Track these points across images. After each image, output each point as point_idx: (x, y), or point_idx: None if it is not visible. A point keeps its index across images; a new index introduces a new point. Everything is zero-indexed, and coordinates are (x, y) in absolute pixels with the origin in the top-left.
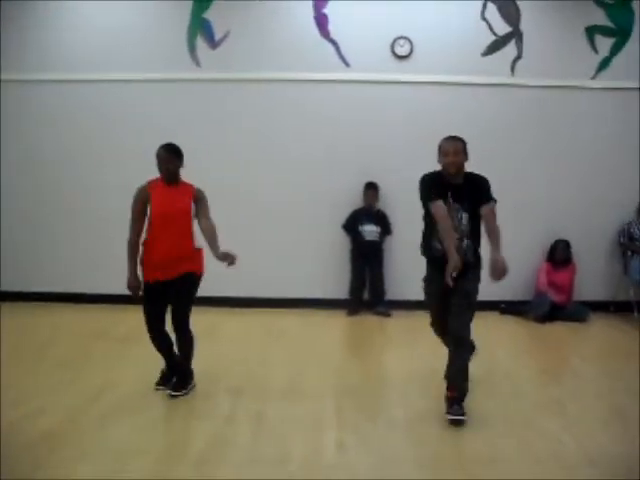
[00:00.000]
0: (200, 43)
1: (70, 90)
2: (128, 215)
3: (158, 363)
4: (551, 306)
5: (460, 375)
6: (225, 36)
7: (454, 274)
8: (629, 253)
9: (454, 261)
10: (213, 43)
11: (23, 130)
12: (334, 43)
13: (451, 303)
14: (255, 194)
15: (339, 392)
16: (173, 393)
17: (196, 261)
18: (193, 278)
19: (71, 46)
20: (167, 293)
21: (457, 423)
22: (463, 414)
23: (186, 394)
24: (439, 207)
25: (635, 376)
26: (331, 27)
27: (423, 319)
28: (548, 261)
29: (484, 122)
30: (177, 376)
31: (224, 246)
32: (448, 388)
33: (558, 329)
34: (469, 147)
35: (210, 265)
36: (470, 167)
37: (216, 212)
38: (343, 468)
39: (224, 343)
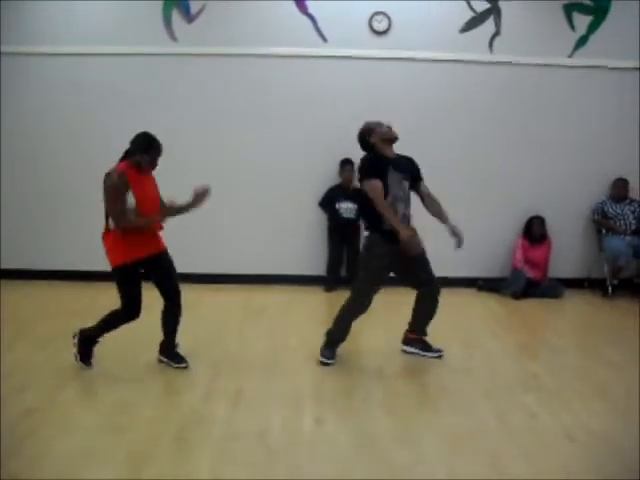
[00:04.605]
0: (176, 17)
1: (43, 64)
2: None
3: (138, 340)
4: (527, 282)
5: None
6: (201, 10)
7: None
8: (603, 230)
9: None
10: (189, 17)
11: (11, 106)
12: (311, 18)
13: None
14: (232, 171)
15: (317, 368)
16: None
17: (109, 253)
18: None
19: (46, 19)
20: None
21: None
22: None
23: None
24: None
25: (609, 350)
26: (308, 2)
27: (399, 295)
28: (524, 238)
29: (461, 98)
30: None
31: (201, 224)
32: None
33: (534, 305)
34: (445, 123)
35: (188, 241)
36: (447, 144)
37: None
38: (322, 443)
39: (203, 319)
